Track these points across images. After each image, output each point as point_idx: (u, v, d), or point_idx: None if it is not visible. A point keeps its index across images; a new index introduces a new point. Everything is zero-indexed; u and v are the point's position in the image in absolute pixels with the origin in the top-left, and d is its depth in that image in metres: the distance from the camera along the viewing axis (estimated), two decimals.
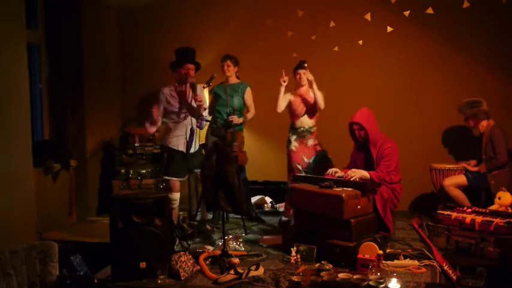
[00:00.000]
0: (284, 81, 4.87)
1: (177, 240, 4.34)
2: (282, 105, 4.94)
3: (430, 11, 5.13)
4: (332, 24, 5.55)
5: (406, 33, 5.56)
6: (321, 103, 4.84)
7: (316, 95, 4.80)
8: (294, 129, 5.00)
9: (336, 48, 5.63)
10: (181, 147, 4.51)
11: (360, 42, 5.57)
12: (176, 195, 4.58)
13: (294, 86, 5.01)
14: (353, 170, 4.26)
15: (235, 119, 5.00)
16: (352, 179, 4.13)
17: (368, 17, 5.38)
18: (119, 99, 6.40)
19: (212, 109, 5.22)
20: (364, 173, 4.19)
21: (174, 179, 4.55)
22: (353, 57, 5.68)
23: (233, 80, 5.22)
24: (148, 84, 6.22)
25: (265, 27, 5.89)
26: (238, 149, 5.05)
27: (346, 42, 5.64)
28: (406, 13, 5.16)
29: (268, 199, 5.87)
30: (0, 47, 4.14)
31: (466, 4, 4.86)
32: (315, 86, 4.78)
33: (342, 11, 5.68)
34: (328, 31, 5.60)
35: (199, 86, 4.58)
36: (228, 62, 5.15)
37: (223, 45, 5.76)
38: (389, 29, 5.38)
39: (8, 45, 4.22)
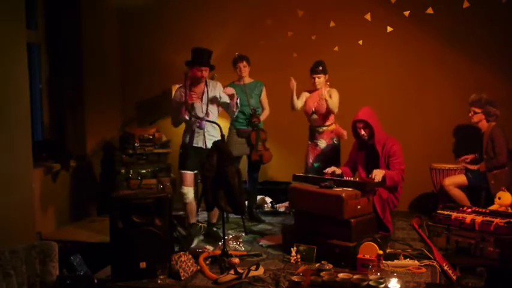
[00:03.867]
0: (292, 86, 4.86)
1: (194, 239, 4.43)
2: (296, 104, 4.93)
3: (430, 11, 5.13)
4: (332, 24, 5.55)
5: (406, 33, 5.55)
6: (333, 109, 4.82)
7: (328, 103, 4.79)
8: (309, 127, 5.04)
9: (336, 48, 5.63)
10: (192, 144, 4.54)
11: (360, 42, 5.57)
12: (186, 189, 4.55)
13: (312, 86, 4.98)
14: (375, 171, 4.16)
15: (258, 119, 5.11)
16: (376, 180, 4.08)
17: (368, 17, 5.38)
18: (118, 99, 6.39)
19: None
20: (383, 172, 4.16)
21: (184, 171, 4.56)
22: (353, 57, 5.68)
23: (248, 79, 5.25)
24: (148, 84, 6.25)
25: (265, 27, 5.89)
26: (263, 148, 5.16)
27: (346, 42, 5.64)
28: (406, 13, 5.16)
29: (268, 199, 5.87)
30: (0, 47, 4.14)
31: (466, 4, 4.86)
32: (328, 98, 4.77)
33: (342, 11, 5.68)
34: (328, 31, 5.60)
35: (214, 85, 4.61)
36: (244, 62, 5.18)
37: (224, 45, 5.76)
38: (389, 29, 5.38)
39: (8, 45, 4.21)
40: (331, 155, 4.91)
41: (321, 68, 4.86)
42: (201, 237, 4.65)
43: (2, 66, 4.15)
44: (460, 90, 5.40)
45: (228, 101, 4.55)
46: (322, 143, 4.94)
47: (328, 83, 4.94)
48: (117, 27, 6.36)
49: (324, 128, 4.93)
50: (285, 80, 4.92)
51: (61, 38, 5.63)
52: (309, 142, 5.03)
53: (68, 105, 5.69)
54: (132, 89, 6.36)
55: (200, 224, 4.84)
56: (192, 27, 6.07)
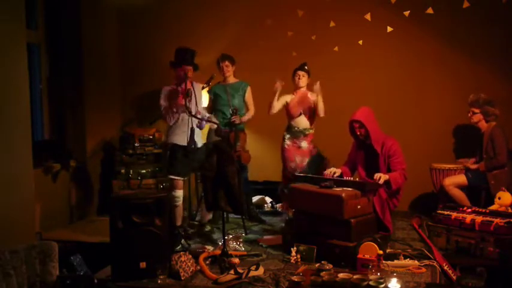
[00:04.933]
0: (277, 87, 4.87)
1: (182, 240, 4.38)
2: (276, 107, 4.95)
3: (430, 11, 5.12)
4: (332, 24, 5.54)
5: (406, 33, 5.55)
6: (321, 112, 4.88)
7: (319, 104, 4.84)
8: (288, 128, 5.04)
9: (336, 48, 5.63)
10: (184, 143, 4.51)
11: (360, 42, 5.57)
12: (179, 193, 4.55)
13: (293, 87, 5.01)
14: (379, 175, 4.14)
15: (238, 119, 5.04)
16: (380, 182, 4.08)
17: (368, 17, 5.38)
18: (118, 99, 6.39)
19: (213, 109, 5.23)
20: (386, 177, 4.15)
21: (177, 178, 4.53)
22: (353, 57, 5.67)
23: (232, 79, 5.23)
24: (148, 84, 6.23)
25: (265, 27, 5.88)
26: (242, 149, 5.11)
27: (346, 42, 5.64)
28: (406, 13, 5.15)
29: (268, 199, 5.87)
30: (0, 47, 4.14)
31: (466, 4, 4.86)
32: (320, 97, 4.81)
33: (342, 11, 5.68)
34: (328, 31, 5.60)
35: (198, 86, 4.59)
36: (227, 62, 5.15)
37: (223, 45, 5.76)
38: (389, 29, 5.38)
39: (8, 45, 4.22)
40: (315, 158, 4.96)
41: (306, 67, 4.95)
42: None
43: (2, 66, 4.15)
44: (460, 90, 5.40)
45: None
46: (305, 145, 4.96)
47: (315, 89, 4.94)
48: (117, 27, 6.36)
49: (310, 131, 4.96)
50: (285, 80, 4.93)
51: (61, 38, 5.63)
52: (288, 142, 4.99)
53: (68, 105, 5.70)
54: (132, 89, 6.36)
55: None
56: (192, 27, 6.07)
